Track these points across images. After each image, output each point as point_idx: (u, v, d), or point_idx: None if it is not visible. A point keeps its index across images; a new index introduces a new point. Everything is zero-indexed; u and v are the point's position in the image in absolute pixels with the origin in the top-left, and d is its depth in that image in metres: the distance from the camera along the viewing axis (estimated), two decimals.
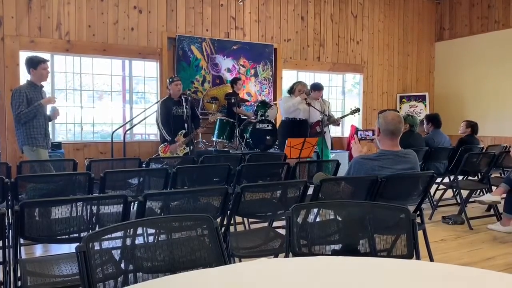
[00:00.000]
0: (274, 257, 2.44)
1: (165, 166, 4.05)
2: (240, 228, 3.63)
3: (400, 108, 9.43)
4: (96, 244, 1.41)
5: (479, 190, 5.69)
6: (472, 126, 5.98)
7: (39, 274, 2.10)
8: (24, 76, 5.37)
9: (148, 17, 6.97)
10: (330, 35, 8.66)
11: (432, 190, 5.21)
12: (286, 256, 1.79)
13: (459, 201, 5.12)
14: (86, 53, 6.64)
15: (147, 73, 7.29)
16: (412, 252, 1.76)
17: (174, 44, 7.12)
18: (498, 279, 1.28)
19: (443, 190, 5.31)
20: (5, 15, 6.06)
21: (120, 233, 1.50)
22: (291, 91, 6.29)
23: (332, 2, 8.64)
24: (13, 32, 6.12)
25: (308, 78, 8.59)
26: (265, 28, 7.98)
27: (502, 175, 5.77)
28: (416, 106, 9.40)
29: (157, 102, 6.07)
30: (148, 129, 7.42)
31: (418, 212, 3.08)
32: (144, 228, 1.63)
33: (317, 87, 6.22)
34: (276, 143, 6.77)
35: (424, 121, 6.00)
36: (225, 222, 2.64)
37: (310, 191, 2.86)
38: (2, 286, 2.36)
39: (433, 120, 5.88)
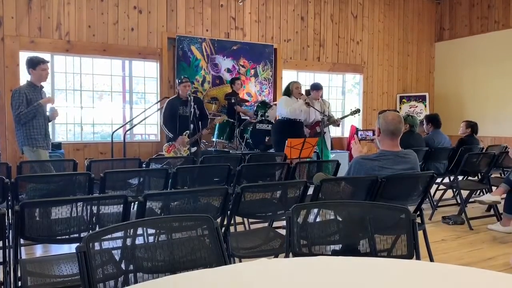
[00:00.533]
0: (274, 257, 2.44)
1: (165, 166, 4.05)
2: (240, 228, 3.63)
3: (400, 108, 9.42)
4: (96, 244, 1.41)
5: (479, 190, 5.69)
6: (472, 126, 5.98)
7: (39, 274, 2.10)
8: (24, 76, 5.38)
9: (148, 17, 6.98)
10: (330, 35, 8.66)
11: (432, 190, 5.21)
12: (286, 256, 1.79)
13: (459, 201, 5.12)
14: (86, 53, 6.64)
15: (147, 73, 7.30)
16: (412, 252, 1.76)
17: (174, 44, 7.12)
18: (498, 279, 1.28)
19: (443, 190, 5.31)
20: (5, 15, 6.07)
21: (120, 233, 1.50)
22: (288, 92, 6.28)
23: (332, 2, 8.64)
24: (13, 32, 6.12)
25: (308, 78, 8.60)
26: (265, 28, 7.98)
27: (502, 175, 5.77)
28: (416, 106, 9.40)
29: (162, 100, 6.05)
30: (148, 129, 7.43)
31: (418, 212, 3.09)
32: (144, 228, 1.63)
33: (317, 87, 6.23)
34: None
35: (424, 121, 6.00)
36: (225, 222, 2.64)
37: (310, 191, 2.85)
38: (2, 286, 2.36)
39: (433, 120, 5.88)
